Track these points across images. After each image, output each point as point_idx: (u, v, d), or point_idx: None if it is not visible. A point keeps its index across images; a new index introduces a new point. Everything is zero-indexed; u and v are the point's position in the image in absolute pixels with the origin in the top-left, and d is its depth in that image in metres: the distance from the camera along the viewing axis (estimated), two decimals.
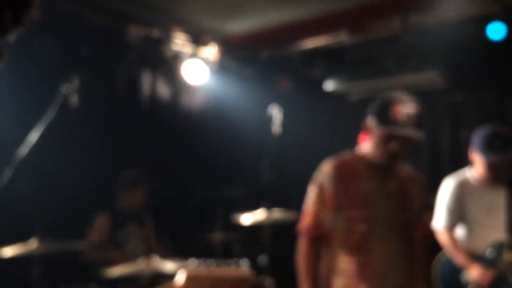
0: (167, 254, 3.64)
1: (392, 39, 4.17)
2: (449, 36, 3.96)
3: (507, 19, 3.64)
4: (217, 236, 4.08)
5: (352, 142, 4.82)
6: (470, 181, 3.12)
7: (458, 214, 3.08)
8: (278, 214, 3.62)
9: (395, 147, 2.19)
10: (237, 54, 5.03)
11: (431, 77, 4.01)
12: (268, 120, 3.76)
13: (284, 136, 3.82)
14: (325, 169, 2.26)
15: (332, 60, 4.82)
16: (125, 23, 4.05)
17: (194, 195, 4.62)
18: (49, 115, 2.88)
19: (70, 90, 2.92)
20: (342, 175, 2.24)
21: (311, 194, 2.25)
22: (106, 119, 4.24)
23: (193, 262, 3.08)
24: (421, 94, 4.33)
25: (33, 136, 2.83)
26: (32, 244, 2.87)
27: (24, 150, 2.77)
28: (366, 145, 2.32)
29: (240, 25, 4.42)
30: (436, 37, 4.02)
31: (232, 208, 4.24)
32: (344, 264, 2.18)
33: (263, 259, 3.61)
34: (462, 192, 3.09)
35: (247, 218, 3.56)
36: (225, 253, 3.97)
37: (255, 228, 3.82)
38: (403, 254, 2.17)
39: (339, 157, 2.34)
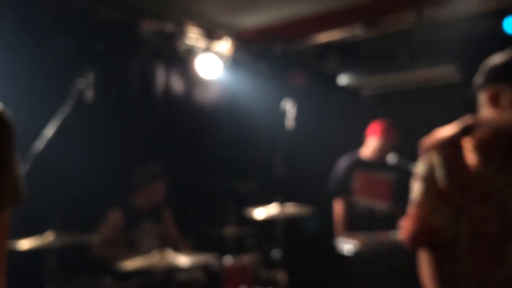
0: (189, 249, 3.68)
1: (406, 34, 4.13)
2: (464, 30, 3.91)
3: None
4: (230, 231, 4.10)
5: (365, 136, 4.83)
6: None
7: None
8: (291, 208, 3.63)
9: None
10: (251, 48, 5.02)
11: (445, 71, 3.97)
12: (281, 114, 3.77)
13: (297, 130, 3.82)
14: (432, 158, 1.74)
15: (346, 54, 4.79)
16: (139, 18, 4.05)
17: (207, 189, 4.64)
18: (65, 110, 2.92)
19: (85, 85, 2.96)
20: (456, 162, 1.71)
21: (419, 192, 1.74)
22: (120, 113, 4.26)
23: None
24: (434, 89, 4.34)
25: (49, 131, 2.88)
26: (48, 237, 2.89)
27: (39, 144, 2.81)
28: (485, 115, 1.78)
29: (254, 19, 4.41)
30: (450, 32, 3.98)
31: (245, 202, 4.26)
32: (468, 277, 1.71)
33: (275, 254, 3.63)
34: None
35: (260, 213, 3.57)
36: (238, 247, 3.98)
37: (268, 222, 3.83)
38: None
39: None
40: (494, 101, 1.69)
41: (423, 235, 1.69)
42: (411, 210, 1.74)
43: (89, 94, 2.98)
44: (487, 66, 1.76)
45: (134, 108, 4.39)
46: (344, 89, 4.69)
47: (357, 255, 3.54)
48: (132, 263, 2.94)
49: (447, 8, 3.90)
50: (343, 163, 4.27)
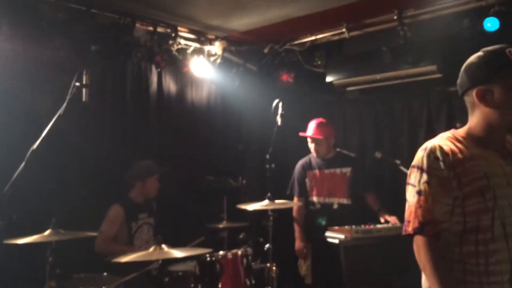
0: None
1: (389, 34, 4.28)
2: (445, 29, 4.06)
3: (502, 11, 3.73)
4: (222, 226, 4.22)
5: (352, 134, 4.97)
6: None
7: None
8: (281, 204, 3.74)
9: None
10: (241, 49, 5.16)
11: (427, 70, 4.11)
12: (271, 113, 3.89)
13: (286, 128, 3.94)
14: (433, 151, 1.79)
15: (332, 54, 4.94)
16: (133, 21, 4.16)
17: (200, 186, 4.74)
18: (62, 109, 3.00)
19: (81, 85, 3.03)
20: (454, 155, 1.78)
21: (421, 182, 1.79)
22: (116, 113, 4.36)
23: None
24: (417, 86, 4.48)
25: (46, 129, 2.96)
26: (47, 235, 2.91)
27: (37, 143, 2.89)
28: (472, 121, 1.86)
29: (243, 22, 4.53)
30: (432, 31, 4.13)
31: (237, 198, 4.37)
32: (460, 272, 1.77)
33: (267, 248, 3.74)
34: None
35: (251, 208, 3.66)
36: (231, 241, 4.10)
37: (260, 217, 3.95)
38: None
39: (442, 134, 1.89)
40: (483, 99, 1.78)
41: (430, 225, 1.74)
42: (415, 200, 1.78)
43: (85, 94, 3.05)
44: (469, 68, 1.82)
45: (128, 107, 4.49)
46: (331, 87, 4.82)
47: (346, 247, 3.67)
48: (128, 257, 3.01)
49: (428, 9, 4.06)
50: (298, 166, 4.55)
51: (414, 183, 1.81)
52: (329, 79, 4.79)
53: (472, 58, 1.84)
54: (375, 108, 4.84)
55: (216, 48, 4.95)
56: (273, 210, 3.75)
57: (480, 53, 1.82)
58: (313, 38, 4.84)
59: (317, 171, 4.43)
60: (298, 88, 5.14)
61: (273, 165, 3.91)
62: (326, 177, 4.40)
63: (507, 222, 1.74)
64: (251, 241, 3.66)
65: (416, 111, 4.48)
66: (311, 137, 4.39)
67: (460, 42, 3.99)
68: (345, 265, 3.64)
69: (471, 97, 1.82)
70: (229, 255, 3.38)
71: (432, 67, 4.06)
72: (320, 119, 4.40)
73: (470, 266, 1.74)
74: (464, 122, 1.93)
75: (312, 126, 4.38)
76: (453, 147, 1.79)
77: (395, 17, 4.16)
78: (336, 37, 4.69)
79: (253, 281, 3.42)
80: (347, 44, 4.79)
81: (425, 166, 1.78)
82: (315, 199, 4.41)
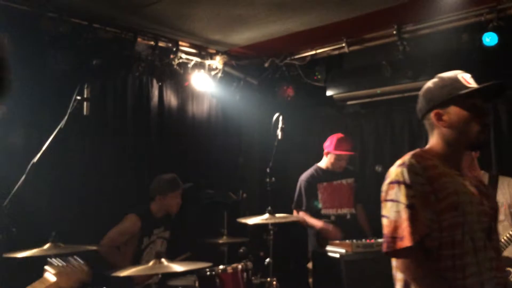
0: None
1: (388, 48, 4.31)
2: (444, 44, 4.10)
3: (500, 26, 3.77)
4: (223, 240, 4.20)
5: (352, 147, 4.97)
6: None
7: None
8: (281, 218, 3.72)
9: (483, 107, 1.86)
10: (241, 63, 5.19)
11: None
12: (271, 126, 3.90)
13: (287, 142, 3.95)
14: (412, 165, 1.81)
15: (332, 68, 4.97)
16: (135, 36, 4.20)
17: (200, 199, 4.73)
18: (63, 122, 3.00)
19: (82, 99, 3.05)
20: (429, 171, 1.82)
21: (406, 196, 1.78)
22: (117, 126, 4.37)
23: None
24: (417, 100, 4.49)
25: (47, 143, 2.96)
26: (47, 248, 2.90)
27: (37, 156, 2.89)
28: (433, 142, 1.95)
29: (244, 37, 4.57)
30: (431, 45, 4.16)
31: (237, 212, 4.36)
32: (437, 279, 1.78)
33: (267, 262, 3.73)
34: None
35: (251, 222, 3.64)
36: (231, 255, 4.08)
37: (260, 231, 3.93)
38: (495, 267, 1.84)
39: (414, 152, 1.92)
40: (440, 121, 1.89)
41: (427, 239, 1.74)
42: (405, 216, 1.75)
43: (87, 107, 3.06)
44: (426, 93, 1.95)
45: (130, 120, 4.50)
46: (331, 101, 4.85)
47: (346, 261, 3.65)
48: (128, 271, 3.00)
49: (427, 24, 4.10)
50: (304, 180, 4.45)
51: (397, 199, 1.79)
52: (329, 93, 4.82)
53: (429, 83, 1.96)
54: (376, 122, 4.86)
55: (217, 62, 4.98)
56: (274, 224, 3.74)
57: (435, 79, 1.95)
58: (313, 52, 4.88)
59: (326, 183, 4.41)
60: (298, 102, 5.16)
61: (273, 179, 3.90)
62: (335, 188, 4.41)
63: (476, 237, 1.80)
64: (251, 256, 3.64)
65: (416, 124, 4.49)
66: (350, 154, 4.33)
67: (459, 56, 4.02)
68: (346, 280, 3.62)
69: (429, 120, 1.93)
70: (229, 269, 3.37)
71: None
72: (341, 134, 4.39)
73: (448, 281, 1.75)
74: None
75: (345, 142, 4.33)
76: (427, 163, 1.85)
77: (394, 32, 4.21)
78: (336, 52, 4.73)
79: None
80: (347, 58, 4.82)
81: (408, 181, 1.79)
82: (330, 211, 4.37)
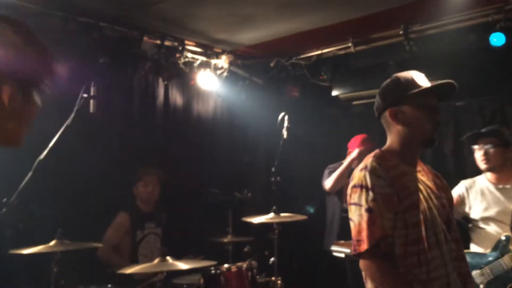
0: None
1: (395, 48, 4.30)
2: (451, 44, 4.08)
3: (508, 26, 3.75)
4: (228, 239, 4.20)
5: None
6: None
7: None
8: (286, 217, 3.73)
9: (435, 105, 1.95)
10: (247, 62, 5.19)
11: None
12: (277, 126, 3.90)
13: (292, 141, 3.95)
14: (373, 169, 1.89)
15: (338, 68, 4.96)
16: (141, 35, 4.21)
17: (206, 199, 4.74)
18: (69, 119, 3.02)
19: (89, 97, 3.06)
20: (390, 172, 1.90)
21: (367, 200, 1.85)
22: (122, 124, 4.38)
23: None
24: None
25: (54, 140, 2.97)
26: (53, 245, 2.90)
27: (44, 153, 2.91)
28: (391, 140, 2.06)
29: (250, 36, 4.57)
30: (438, 45, 4.14)
31: (242, 211, 4.36)
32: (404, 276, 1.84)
33: (272, 261, 3.73)
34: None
35: (256, 221, 3.66)
36: (236, 254, 4.08)
37: (265, 230, 3.93)
38: (456, 257, 1.97)
39: (374, 154, 2.01)
40: (395, 118, 1.99)
41: (384, 241, 1.81)
42: (365, 218, 1.82)
43: (93, 105, 3.08)
44: (382, 92, 2.05)
45: (135, 119, 4.52)
46: (337, 101, 4.84)
47: (352, 260, 3.64)
48: (133, 269, 3.02)
49: (434, 24, 4.08)
50: (329, 167, 4.41)
51: (359, 202, 1.86)
52: (335, 93, 4.81)
53: (385, 82, 2.05)
54: (381, 123, 4.83)
55: (223, 61, 4.98)
56: (279, 223, 3.74)
57: (391, 79, 2.04)
58: (319, 52, 4.87)
59: (347, 179, 4.39)
60: (304, 102, 5.16)
61: (278, 178, 3.90)
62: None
63: (438, 230, 1.89)
64: (256, 255, 3.65)
65: None
66: (366, 150, 4.35)
67: (466, 57, 4.01)
68: (351, 279, 3.61)
69: (385, 118, 2.04)
70: (234, 268, 3.37)
71: (439, 80, 4.06)
72: (365, 135, 4.39)
73: (415, 276, 1.82)
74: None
75: (369, 141, 4.33)
76: (388, 164, 1.92)
77: (401, 32, 4.19)
78: (342, 51, 4.72)
79: None
80: (353, 58, 4.81)
81: (369, 184, 1.85)
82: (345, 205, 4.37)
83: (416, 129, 1.96)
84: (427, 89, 1.94)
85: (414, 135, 1.97)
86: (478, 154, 3.34)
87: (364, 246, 1.81)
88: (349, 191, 1.94)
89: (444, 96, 2.04)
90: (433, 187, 1.99)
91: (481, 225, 3.28)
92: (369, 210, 1.83)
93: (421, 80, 1.98)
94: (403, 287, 1.79)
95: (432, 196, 1.95)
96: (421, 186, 1.94)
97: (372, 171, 1.87)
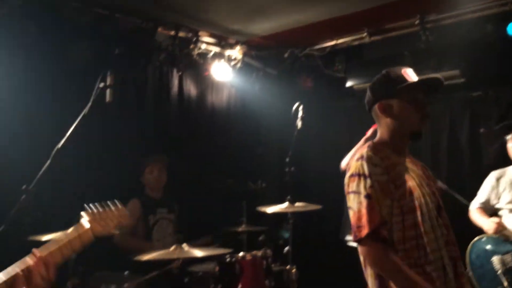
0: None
1: (410, 38, 4.27)
2: (468, 34, 4.04)
3: None
4: (242, 229, 4.22)
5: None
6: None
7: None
8: (300, 207, 3.74)
9: (423, 99, 2.02)
10: (261, 53, 5.19)
11: (450, 75, 4.08)
12: (291, 117, 3.90)
13: (306, 132, 3.95)
14: (370, 158, 1.95)
15: (352, 58, 4.93)
16: (155, 26, 4.23)
17: (220, 189, 4.77)
18: (86, 108, 3.05)
19: (105, 86, 3.09)
20: (385, 161, 1.97)
21: (366, 187, 1.90)
22: (137, 114, 4.42)
23: None
24: (440, 91, 4.44)
25: (71, 128, 3.01)
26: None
27: (62, 141, 2.95)
28: (381, 132, 2.11)
29: (264, 27, 4.57)
30: (454, 36, 4.11)
31: (257, 201, 4.38)
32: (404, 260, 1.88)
33: (286, 250, 3.74)
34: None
35: (271, 211, 3.67)
36: (251, 243, 4.10)
37: (279, 220, 3.95)
38: (448, 241, 2.00)
39: (368, 145, 2.06)
40: (384, 112, 2.05)
41: (383, 227, 1.86)
42: (364, 205, 1.87)
43: (109, 94, 3.10)
44: (372, 86, 2.12)
45: (150, 108, 4.55)
46: (351, 92, 4.82)
47: None
48: (149, 255, 3.05)
49: (451, 13, 4.04)
50: None
51: (358, 190, 1.92)
52: (349, 83, 4.79)
53: (376, 77, 2.13)
54: None
55: (237, 52, 4.99)
56: (293, 213, 3.75)
57: (382, 73, 2.11)
58: (333, 43, 4.85)
59: None
60: (318, 93, 5.15)
61: (292, 168, 3.91)
62: None
63: (431, 216, 1.96)
64: (270, 244, 3.67)
65: (439, 116, 4.44)
66: None
67: (483, 47, 3.97)
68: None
69: (375, 111, 2.10)
70: (249, 256, 3.40)
71: (455, 72, 4.04)
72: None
73: (414, 260, 1.88)
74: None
75: None
76: (381, 154, 1.99)
77: (417, 22, 4.16)
78: (357, 42, 4.69)
79: (273, 283, 3.42)
80: (367, 48, 4.78)
81: (366, 172, 1.92)
82: None
83: (404, 122, 2.03)
84: (414, 83, 2.01)
85: (401, 127, 2.04)
86: (511, 145, 3.37)
87: (365, 231, 1.85)
88: (346, 180, 2.00)
89: (432, 90, 2.11)
90: (423, 176, 2.08)
91: (508, 213, 3.31)
92: (368, 197, 1.89)
93: (411, 75, 2.05)
94: (402, 271, 1.83)
95: (423, 183, 2.03)
96: (413, 174, 2.02)
97: (369, 160, 1.94)
